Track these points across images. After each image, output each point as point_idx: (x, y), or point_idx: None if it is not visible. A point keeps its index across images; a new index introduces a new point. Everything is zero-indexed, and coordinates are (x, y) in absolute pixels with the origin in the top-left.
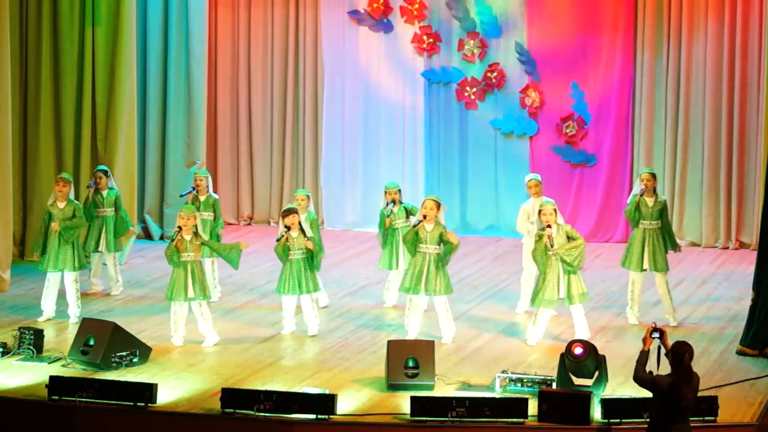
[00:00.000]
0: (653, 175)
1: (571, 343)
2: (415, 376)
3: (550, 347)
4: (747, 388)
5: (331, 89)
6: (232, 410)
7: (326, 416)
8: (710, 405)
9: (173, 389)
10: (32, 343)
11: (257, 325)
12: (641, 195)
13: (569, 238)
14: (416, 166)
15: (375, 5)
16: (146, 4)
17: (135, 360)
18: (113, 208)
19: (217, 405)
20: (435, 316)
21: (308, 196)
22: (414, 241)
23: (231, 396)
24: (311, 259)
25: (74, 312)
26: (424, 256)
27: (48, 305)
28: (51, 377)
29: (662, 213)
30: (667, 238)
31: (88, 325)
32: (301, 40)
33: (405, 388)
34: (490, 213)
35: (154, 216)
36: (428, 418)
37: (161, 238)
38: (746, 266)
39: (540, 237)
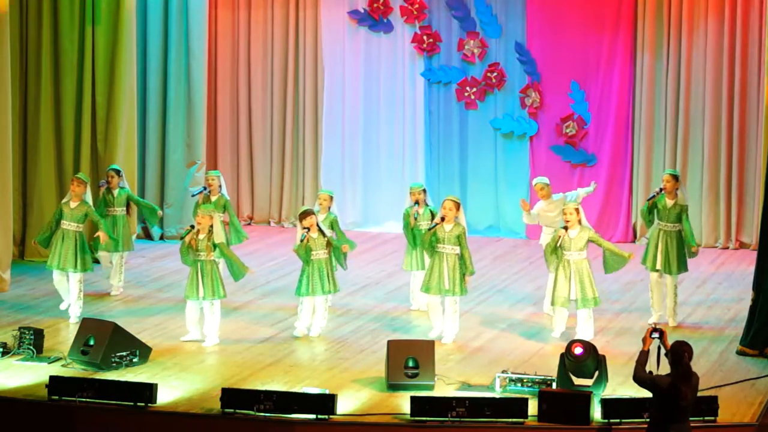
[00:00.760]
0: (673, 177)
1: (571, 343)
2: (415, 376)
3: (550, 347)
4: (747, 388)
5: (331, 89)
6: (232, 410)
7: (326, 416)
8: (710, 405)
9: (173, 389)
10: (32, 343)
11: (257, 325)
12: (656, 195)
13: (593, 242)
14: (416, 166)
15: (375, 5)
16: (146, 4)
17: (135, 360)
18: (124, 208)
19: (217, 405)
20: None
21: (331, 197)
22: (432, 242)
23: (231, 396)
24: (332, 259)
25: (75, 312)
26: (442, 256)
27: (64, 294)
28: (51, 377)
29: (680, 216)
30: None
31: (88, 325)
32: (301, 40)
33: (405, 388)
34: (490, 213)
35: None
36: (428, 418)
37: (161, 238)
38: (746, 266)
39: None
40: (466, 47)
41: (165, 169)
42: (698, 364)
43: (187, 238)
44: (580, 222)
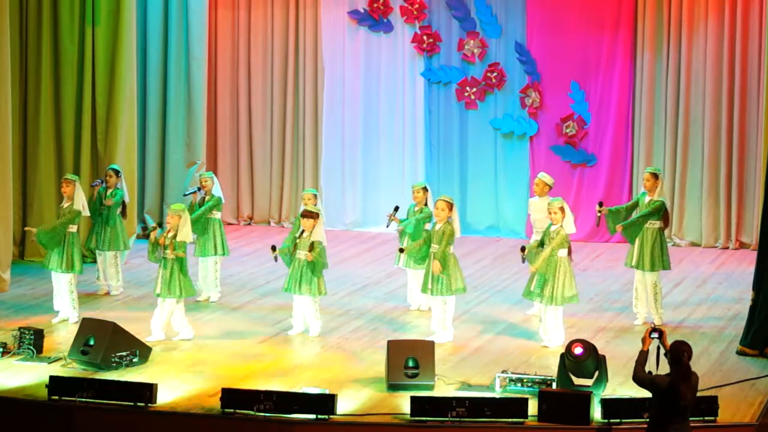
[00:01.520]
0: (653, 175)
1: (571, 343)
2: (415, 376)
3: (550, 347)
4: (747, 388)
5: (331, 89)
6: (232, 410)
7: (326, 416)
8: (710, 405)
9: (173, 389)
10: (32, 343)
11: (257, 325)
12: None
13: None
14: (416, 167)
15: (375, 5)
16: (146, 4)
17: (135, 360)
18: (119, 208)
19: (217, 405)
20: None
21: (315, 196)
22: (424, 253)
23: (231, 396)
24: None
25: (71, 314)
26: (431, 255)
27: (56, 303)
28: (51, 377)
29: (656, 212)
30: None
31: (88, 325)
32: (301, 40)
33: (405, 388)
34: (490, 213)
35: (153, 216)
36: (428, 418)
37: None
38: (746, 266)
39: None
40: (466, 47)
41: (165, 169)
42: (698, 364)
43: (152, 236)
44: (563, 221)
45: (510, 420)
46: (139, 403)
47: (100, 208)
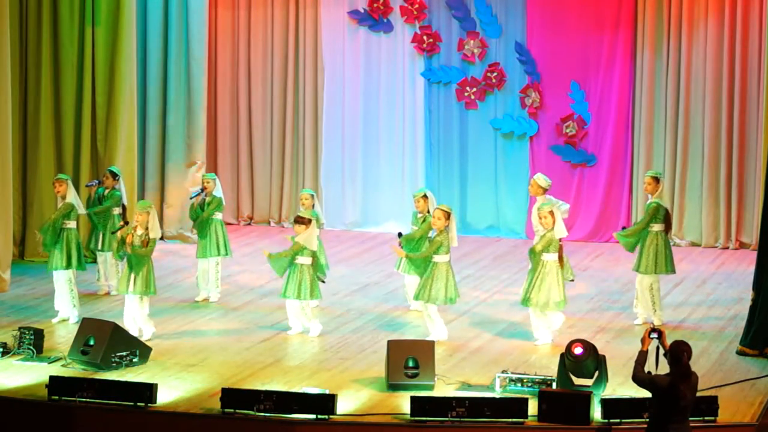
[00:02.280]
0: (653, 178)
1: (571, 343)
2: (415, 376)
3: (550, 347)
4: (747, 388)
5: (331, 89)
6: (232, 410)
7: (326, 416)
8: (710, 405)
9: (173, 389)
10: (32, 343)
11: (257, 325)
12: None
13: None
14: (416, 166)
15: (375, 5)
16: (146, 4)
17: (135, 360)
18: (118, 208)
19: (217, 405)
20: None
21: (312, 195)
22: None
23: (231, 396)
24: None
25: (72, 313)
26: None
27: (57, 303)
28: (51, 377)
29: (645, 216)
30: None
31: (88, 325)
32: (301, 40)
33: (405, 388)
34: (490, 213)
35: None
36: (428, 418)
37: (161, 238)
38: (746, 266)
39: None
40: (466, 47)
41: (165, 169)
42: (698, 364)
43: (119, 233)
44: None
45: (510, 420)
46: (139, 403)
47: (95, 210)
